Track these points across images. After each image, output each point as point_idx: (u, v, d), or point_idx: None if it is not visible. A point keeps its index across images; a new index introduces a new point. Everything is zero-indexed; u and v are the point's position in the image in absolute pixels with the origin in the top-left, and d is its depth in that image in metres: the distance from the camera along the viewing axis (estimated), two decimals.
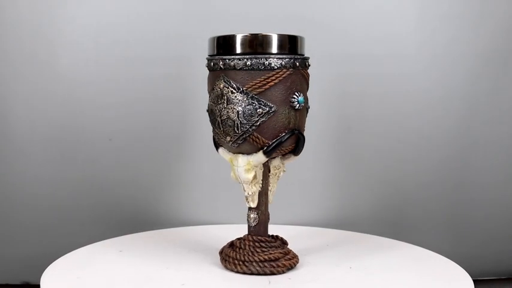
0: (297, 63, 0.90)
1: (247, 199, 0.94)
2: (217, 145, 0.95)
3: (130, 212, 1.26)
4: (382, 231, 1.21)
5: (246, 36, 0.89)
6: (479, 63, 1.26)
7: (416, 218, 1.31)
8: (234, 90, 0.88)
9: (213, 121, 0.92)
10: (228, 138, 0.90)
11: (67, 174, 1.24)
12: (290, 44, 0.90)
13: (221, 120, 0.90)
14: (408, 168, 1.29)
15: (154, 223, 1.25)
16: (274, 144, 0.90)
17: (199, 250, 1.04)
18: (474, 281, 0.92)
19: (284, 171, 0.97)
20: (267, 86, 0.88)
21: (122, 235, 1.14)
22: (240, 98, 0.88)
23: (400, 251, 1.07)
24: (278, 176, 0.96)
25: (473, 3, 1.25)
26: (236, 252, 0.94)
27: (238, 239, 0.96)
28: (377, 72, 1.25)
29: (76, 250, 1.03)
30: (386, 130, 1.27)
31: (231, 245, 0.97)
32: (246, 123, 0.88)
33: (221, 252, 0.97)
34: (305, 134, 0.94)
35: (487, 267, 1.33)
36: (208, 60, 0.93)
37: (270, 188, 0.95)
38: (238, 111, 0.88)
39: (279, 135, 0.90)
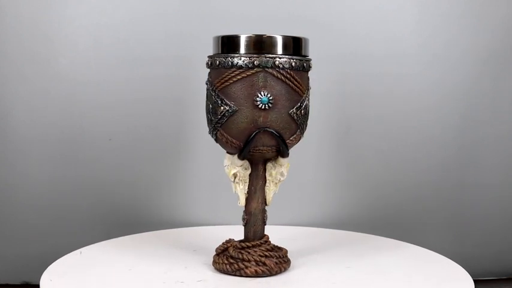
0: None
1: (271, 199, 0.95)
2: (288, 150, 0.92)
3: (130, 213, 1.26)
4: (382, 231, 1.21)
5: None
6: (479, 63, 1.26)
7: (416, 218, 1.31)
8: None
9: (306, 121, 0.93)
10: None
11: (67, 174, 1.24)
12: None
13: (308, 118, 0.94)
14: (408, 168, 1.29)
15: (154, 223, 1.25)
16: None
17: (199, 251, 1.04)
18: (474, 281, 0.92)
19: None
20: None
21: (121, 235, 1.14)
22: None
23: (400, 251, 1.07)
24: None
25: (473, 3, 1.25)
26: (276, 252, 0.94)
27: (251, 246, 0.93)
28: (377, 72, 1.25)
29: (76, 250, 1.03)
30: (386, 130, 1.27)
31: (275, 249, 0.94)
32: None
33: (240, 257, 0.92)
34: (306, 133, 0.94)
35: (487, 267, 1.33)
36: (307, 61, 0.91)
37: None
38: None
39: None
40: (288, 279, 0.91)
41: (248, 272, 0.90)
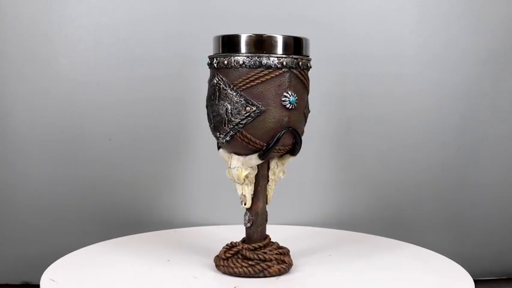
0: None
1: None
2: None
3: (130, 213, 1.26)
4: (382, 231, 1.21)
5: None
6: (479, 63, 1.26)
7: (416, 218, 1.31)
8: None
9: None
10: None
11: (67, 174, 1.24)
12: None
13: None
14: (408, 168, 1.29)
15: (154, 223, 1.25)
16: None
17: (199, 251, 1.04)
18: (474, 281, 0.92)
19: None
20: None
21: (121, 236, 1.14)
22: None
23: (400, 250, 1.07)
24: None
25: (473, 3, 1.25)
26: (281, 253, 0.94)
27: (263, 247, 0.93)
28: (377, 72, 1.25)
29: (76, 250, 1.03)
30: (386, 130, 1.27)
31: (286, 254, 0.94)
32: None
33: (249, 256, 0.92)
34: (306, 133, 0.94)
35: (487, 267, 1.33)
36: (309, 60, 0.92)
37: None
38: None
39: None
40: (302, 277, 0.91)
41: (271, 271, 0.90)
